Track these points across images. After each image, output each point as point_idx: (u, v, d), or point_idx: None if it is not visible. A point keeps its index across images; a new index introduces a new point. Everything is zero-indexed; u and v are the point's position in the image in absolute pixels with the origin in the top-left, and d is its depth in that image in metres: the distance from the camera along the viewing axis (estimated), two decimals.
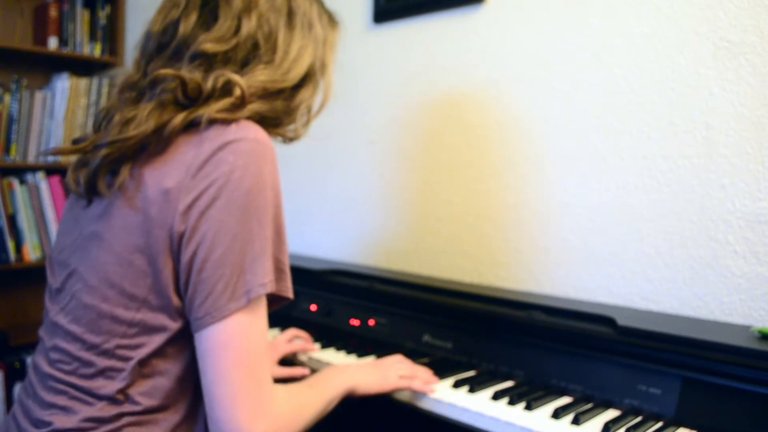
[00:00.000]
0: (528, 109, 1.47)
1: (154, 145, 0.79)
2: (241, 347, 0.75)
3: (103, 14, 2.50)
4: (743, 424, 0.88)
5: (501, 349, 1.14)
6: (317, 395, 0.91)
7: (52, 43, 2.36)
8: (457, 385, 1.06)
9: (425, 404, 1.04)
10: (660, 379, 0.96)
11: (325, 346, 1.29)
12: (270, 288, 0.78)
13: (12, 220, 2.21)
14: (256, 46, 0.87)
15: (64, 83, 2.34)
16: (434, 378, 1.08)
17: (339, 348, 1.28)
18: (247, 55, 0.87)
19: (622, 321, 1.06)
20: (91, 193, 0.82)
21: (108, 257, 0.79)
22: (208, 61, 0.84)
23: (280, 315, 1.49)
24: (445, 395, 1.03)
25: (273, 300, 0.82)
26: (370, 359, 1.21)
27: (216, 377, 0.75)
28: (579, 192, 1.39)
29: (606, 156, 1.35)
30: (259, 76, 0.85)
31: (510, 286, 1.50)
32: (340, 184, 1.90)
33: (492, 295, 1.31)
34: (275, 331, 1.41)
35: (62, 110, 2.34)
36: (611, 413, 0.98)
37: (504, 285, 1.51)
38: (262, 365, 0.77)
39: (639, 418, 0.95)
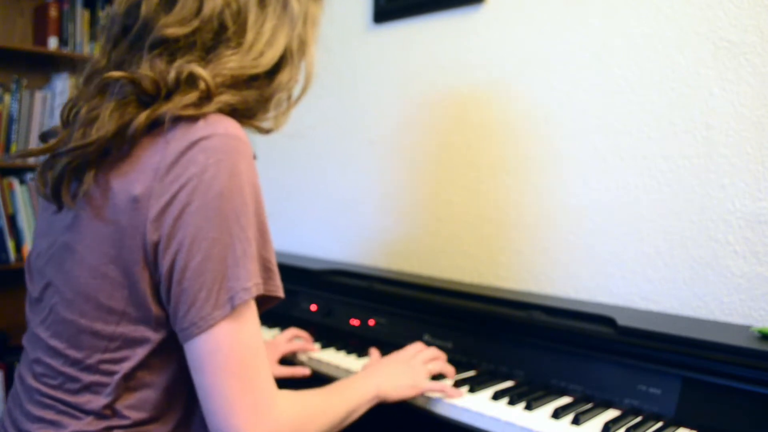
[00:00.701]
0: (528, 109, 1.47)
1: (117, 148, 0.74)
2: (230, 355, 0.72)
3: (103, 14, 2.49)
4: (743, 424, 0.88)
5: (501, 349, 1.14)
6: (336, 402, 0.87)
7: (52, 43, 2.35)
8: (458, 385, 1.06)
9: (425, 403, 1.04)
10: (660, 379, 0.96)
11: (325, 346, 1.29)
12: (255, 291, 0.74)
13: (12, 220, 2.21)
14: (222, 27, 0.78)
15: (64, 83, 2.34)
16: (458, 391, 1.03)
17: (339, 348, 1.27)
18: (213, 39, 0.78)
19: (622, 321, 1.06)
20: (57, 200, 0.77)
21: (81, 270, 0.76)
22: (170, 49, 0.77)
23: (280, 315, 1.49)
24: (444, 395, 1.03)
25: (264, 300, 0.78)
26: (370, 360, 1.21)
27: (209, 388, 0.72)
28: (579, 192, 1.39)
29: (606, 156, 1.35)
30: (227, 62, 0.77)
31: (510, 286, 1.50)
32: (341, 184, 1.90)
33: (492, 295, 1.31)
34: (275, 331, 1.41)
35: None
36: (611, 413, 0.98)
37: (504, 285, 1.51)
38: (256, 371, 0.73)
39: (639, 418, 0.95)
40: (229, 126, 0.74)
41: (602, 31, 1.35)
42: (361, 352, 1.25)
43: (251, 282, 0.73)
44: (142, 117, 0.73)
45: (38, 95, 2.29)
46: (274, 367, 1.21)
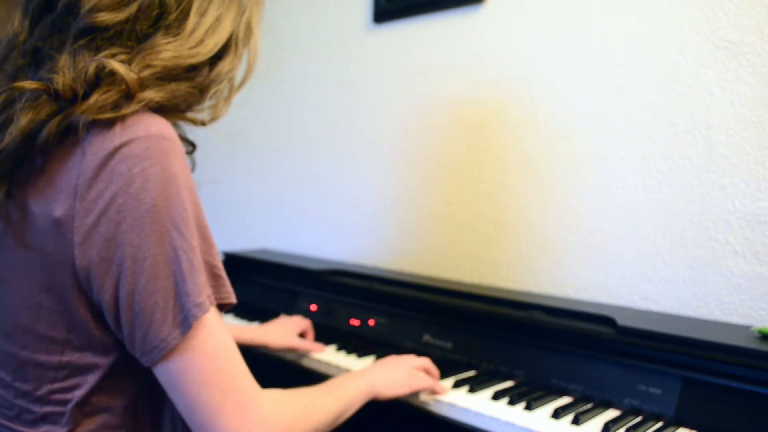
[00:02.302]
0: (528, 109, 1.47)
1: (29, 160, 0.66)
2: (203, 369, 0.68)
3: None
4: (743, 424, 0.88)
5: (501, 349, 1.14)
6: (327, 400, 0.84)
7: None
8: (457, 385, 1.06)
9: (425, 404, 1.04)
10: (660, 379, 0.96)
11: (325, 345, 1.29)
12: (208, 304, 0.68)
13: None
14: (163, 13, 0.71)
15: None
16: (443, 388, 1.05)
17: (339, 348, 1.27)
18: (151, 26, 0.70)
19: (622, 321, 1.06)
20: None
21: (14, 301, 0.70)
22: (99, 38, 0.68)
23: (280, 315, 1.48)
24: (445, 395, 1.03)
25: (217, 307, 0.73)
26: (370, 359, 1.21)
27: (190, 404, 0.68)
28: (579, 192, 1.39)
29: (606, 156, 1.35)
30: (161, 52, 0.69)
31: (510, 286, 1.50)
32: (340, 184, 1.90)
33: (492, 295, 1.31)
34: None
35: None
36: (611, 413, 0.98)
37: (504, 285, 1.51)
38: (232, 376, 0.70)
39: (639, 418, 0.95)
40: (151, 125, 0.66)
41: (602, 31, 1.35)
42: (361, 352, 1.24)
43: (203, 296, 0.68)
44: (52, 125, 0.64)
45: None
46: (295, 339, 1.24)
